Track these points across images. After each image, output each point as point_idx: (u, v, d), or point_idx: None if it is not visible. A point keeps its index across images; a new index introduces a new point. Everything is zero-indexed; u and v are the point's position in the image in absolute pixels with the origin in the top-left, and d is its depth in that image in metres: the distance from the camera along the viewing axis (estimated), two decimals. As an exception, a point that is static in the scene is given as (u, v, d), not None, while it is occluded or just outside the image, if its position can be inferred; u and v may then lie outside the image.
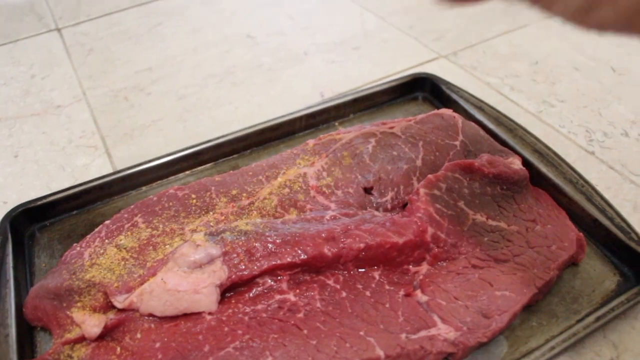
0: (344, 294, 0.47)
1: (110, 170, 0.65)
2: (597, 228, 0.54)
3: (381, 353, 0.43)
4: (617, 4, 0.23)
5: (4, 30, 0.96)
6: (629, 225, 0.54)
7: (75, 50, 0.89)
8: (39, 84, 0.82)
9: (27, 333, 0.48)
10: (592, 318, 0.46)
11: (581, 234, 0.52)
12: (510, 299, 0.46)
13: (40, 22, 0.98)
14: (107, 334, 0.46)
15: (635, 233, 0.53)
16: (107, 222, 0.54)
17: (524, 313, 0.48)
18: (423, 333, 0.44)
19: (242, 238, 0.48)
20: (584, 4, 0.24)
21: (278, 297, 0.47)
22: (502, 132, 0.63)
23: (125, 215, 0.54)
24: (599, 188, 0.59)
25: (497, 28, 0.91)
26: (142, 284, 0.46)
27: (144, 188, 0.61)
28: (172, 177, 0.62)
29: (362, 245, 0.48)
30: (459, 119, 0.63)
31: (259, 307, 0.46)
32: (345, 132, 0.61)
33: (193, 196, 0.55)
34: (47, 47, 0.91)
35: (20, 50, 0.91)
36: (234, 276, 0.46)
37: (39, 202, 0.58)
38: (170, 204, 0.54)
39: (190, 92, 0.78)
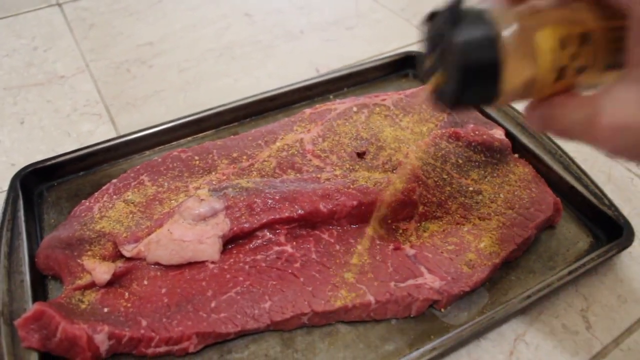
0: (337, 247, 0.51)
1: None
2: (573, 194, 0.58)
3: (372, 299, 0.47)
4: None
5: (4, 4, 0.98)
6: (602, 192, 0.58)
7: (76, 24, 0.91)
8: (42, 55, 0.84)
9: (40, 281, 0.51)
10: (565, 271, 0.50)
11: (558, 198, 0.56)
12: (491, 253, 0.50)
13: (41, -3, 1.00)
14: (115, 280, 0.49)
15: (608, 199, 0.57)
16: (114, 180, 0.57)
17: (503, 269, 0.52)
18: (410, 282, 0.48)
19: (244, 194, 0.51)
20: None
21: (276, 248, 0.50)
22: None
23: (132, 175, 0.57)
24: (577, 160, 0.63)
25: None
26: (149, 234, 0.50)
27: (147, 152, 0.64)
28: (175, 142, 0.65)
29: (355, 203, 0.51)
30: (448, 93, 0.66)
31: (259, 257, 0.50)
32: (340, 103, 0.65)
33: (196, 158, 0.58)
34: (48, 21, 0.93)
35: (21, 23, 0.93)
36: (235, 228, 0.49)
37: (47, 163, 0.60)
38: (175, 164, 0.57)
39: (190, 65, 0.81)
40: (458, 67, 0.28)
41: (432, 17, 0.31)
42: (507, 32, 0.28)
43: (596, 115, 0.28)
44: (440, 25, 0.30)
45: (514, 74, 0.28)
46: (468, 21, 0.28)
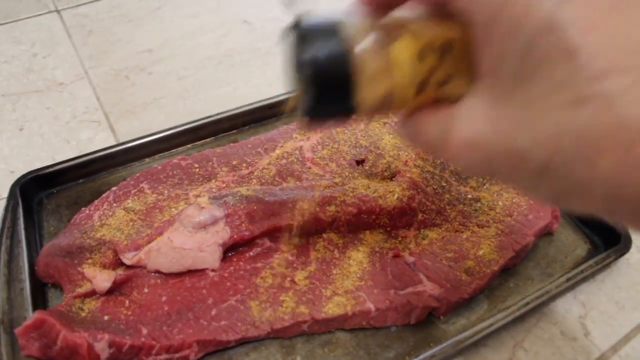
0: (337, 254, 0.51)
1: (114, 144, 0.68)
2: (571, 201, 0.58)
3: (372, 306, 0.47)
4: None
5: (2, 10, 0.98)
6: (600, 199, 0.58)
7: (75, 31, 0.91)
8: (41, 62, 0.84)
9: (40, 289, 0.51)
10: (563, 279, 0.51)
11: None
12: (490, 260, 0.50)
13: (40, 3, 1.00)
14: (116, 288, 0.49)
15: (605, 206, 0.57)
16: (114, 188, 0.57)
17: (502, 276, 0.53)
18: (410, 289, 0.48)
19: (244, 202, 0.51)
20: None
21: (276, 256, 0.50)
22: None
23: (132, 182, 0.57)
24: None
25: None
26: (149, 242, 0.50)
27: (147, 160, 0.64)
28: (174, 150, 0.65)
29: (354, 210, 0.51)
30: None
31: (259, 265, 0.50)
32: (339, 111, 0.65)
33: (196, 165, 0.58)
34: (47, 27, 0.93)
35: (20, 30, 0.93)
36: (235, 236, 0.50)
37: (47, 170, 0.60)
38: (174, 172, 0.58)
39: (189, 73, 0.81)
40: (307, 83, 0.27)
41: (291, 29, 0.29)
42: (362, 45, 0.27)
43: (449, 131, 0.27)
44: (293, 40, 0.29)
45: (370, 88, 0.27)
46: (317, 35, 0.27)
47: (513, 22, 0.23)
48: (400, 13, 0.29)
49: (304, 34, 0.27)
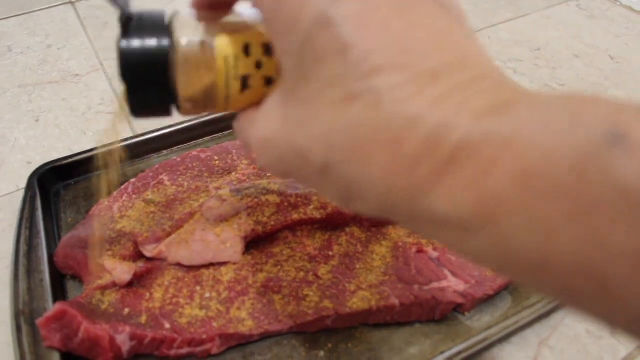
0: (360, 249, 0.50)
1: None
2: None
3: (396, 301, 0.46)
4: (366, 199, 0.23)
5: (17, 2, 0.98)
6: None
7: (90, 22, 0.91)
8: (56, 53, 0.84)
9: (59, 280, 0.51)
10: (590, 276, 0.50)
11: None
12: (515, 256, 0.50)
13: (54, -5, 0.99)
14: (136, 281, 0.48)
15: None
16: (133, 180, 0.56)
17: (526, 272, 0.52)
18: (435, 285, 0.48)
19: (266, 195, 0.50)
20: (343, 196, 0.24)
21: (299, 250, 0.50)
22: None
23: (150, 174, 0.56)
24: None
25: (501, 15, 0.94)
26: (170, 234, 0.49)
27: (164, 152, 0.64)
28: (193, 142, 0.65)
29: (378, 205, 0.51)
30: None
31: (281, 258, 0.49)
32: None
33: (216, 158, 0.57)
34: (62, 19, 0.93)
35: (35, 21, 0.92)
36: (257, 229, 0.49)
37: (65, 162, 0.60)
38: (194, 164, 0.57)
39: (205, 65, 0.80)
40: (121, 74, 0.27)
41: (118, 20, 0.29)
42: (186, 39, 0.27)
43: (252, 129, 0.27)
44: (119, 31, 0.28)
45: (192, 80, 0.27)
46: (138, 27, 0.27)
47: (289, 19, 0.23)
48: (231, 17, 0.29)
49: (125, 25, 0.27)
